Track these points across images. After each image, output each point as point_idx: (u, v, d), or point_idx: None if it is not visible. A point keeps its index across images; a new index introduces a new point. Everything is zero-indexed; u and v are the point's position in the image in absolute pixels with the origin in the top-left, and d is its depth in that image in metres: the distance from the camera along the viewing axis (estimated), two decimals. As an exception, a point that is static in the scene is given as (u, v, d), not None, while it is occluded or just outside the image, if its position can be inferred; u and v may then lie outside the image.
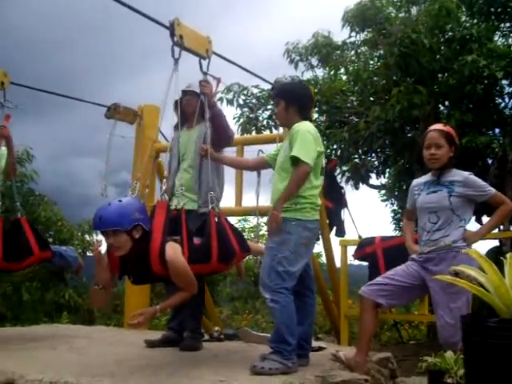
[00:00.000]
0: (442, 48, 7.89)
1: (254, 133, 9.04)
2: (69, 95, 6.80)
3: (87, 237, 11.22)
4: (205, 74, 4.26)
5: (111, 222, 3.28)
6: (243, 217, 11.18)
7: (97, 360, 3.88)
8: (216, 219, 3.82)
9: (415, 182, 3.89)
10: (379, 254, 5.62)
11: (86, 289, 11.17)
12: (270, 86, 8.12)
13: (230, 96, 9.12)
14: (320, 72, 9.59)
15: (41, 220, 9.88)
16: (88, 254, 10.67)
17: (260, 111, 9.40)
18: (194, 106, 4.34)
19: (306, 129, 3.57)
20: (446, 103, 8.46)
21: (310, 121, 3.76)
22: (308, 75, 9.44)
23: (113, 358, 3.94)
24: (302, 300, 3.67)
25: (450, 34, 7.86)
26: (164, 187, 3.91)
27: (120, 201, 3.38)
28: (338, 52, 9.17)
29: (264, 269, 3.54)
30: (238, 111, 9.28)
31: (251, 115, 9.34)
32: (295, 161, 3.49)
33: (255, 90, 9.38)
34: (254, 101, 9.46)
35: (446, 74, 7.88)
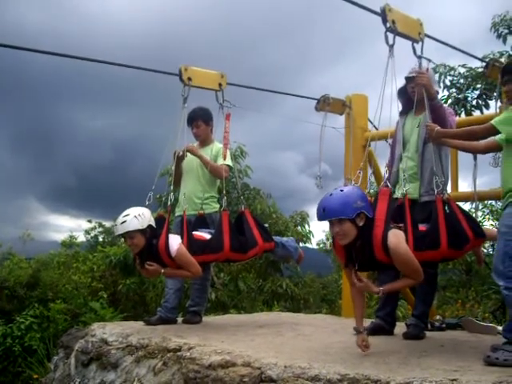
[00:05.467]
0: None
1: (463, 114, 8.60)
2: (271, 90, 6.91)
3: (299, 228, 11.57)
4: (419, 57, 4.19)
5: (335, 211, 3.33)
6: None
7: (323, 346, 3.96)
8: (443, 204, 3.71)
9: None
10: None
11: (300, 278, 11.57)
12: (477, 65, 7.67)
13: (435, 77, 8.79)
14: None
15: (257, 213, 10.28)
16: (301, 245, 10.99)
17: (469, 91, 8.92)
18: (420, 94, 4.17)
19: None
20: None
21: None
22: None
23: (338, 345, 4.01)
24: None
25: None
26: (387, 175, 3.87)
27: (341, 190, 3.42)
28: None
29: (497, 255, 3.35)
30: (445, 93, 8.92)
31: (459, 96, 8.91)
32: None
33: (462, 70, 8.92)
34: (461, 81, 9.02)
35: None
